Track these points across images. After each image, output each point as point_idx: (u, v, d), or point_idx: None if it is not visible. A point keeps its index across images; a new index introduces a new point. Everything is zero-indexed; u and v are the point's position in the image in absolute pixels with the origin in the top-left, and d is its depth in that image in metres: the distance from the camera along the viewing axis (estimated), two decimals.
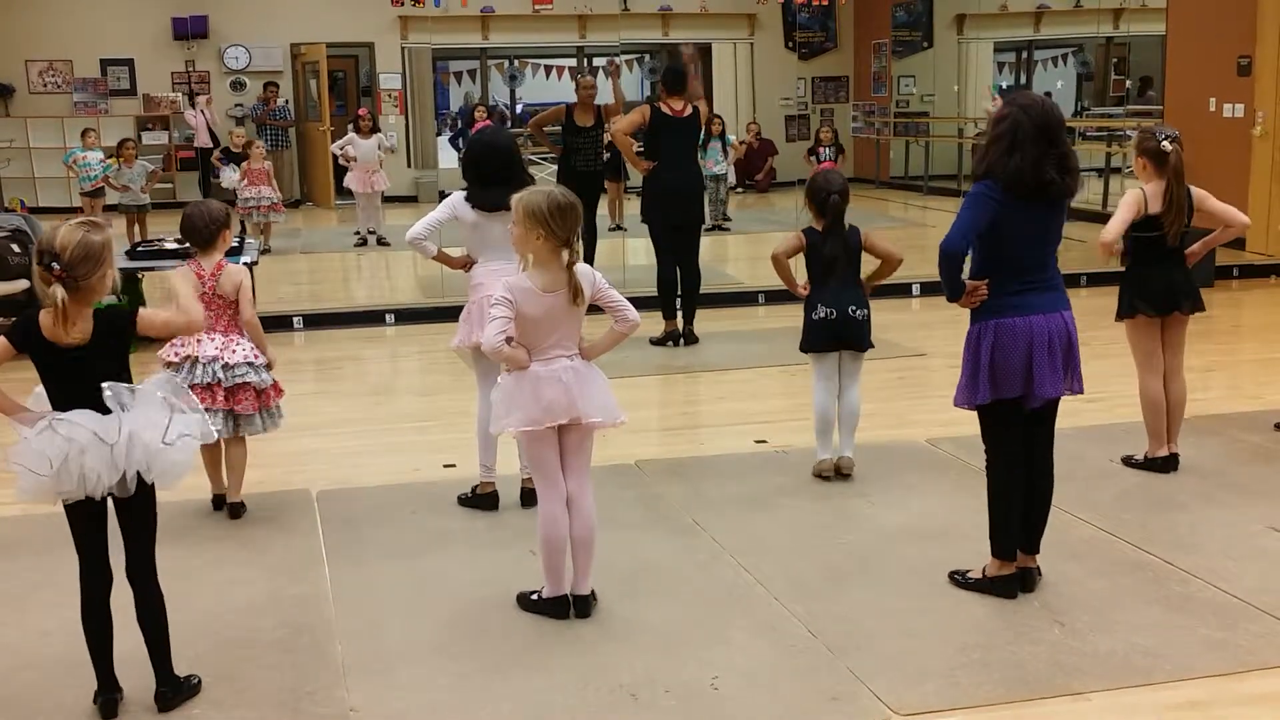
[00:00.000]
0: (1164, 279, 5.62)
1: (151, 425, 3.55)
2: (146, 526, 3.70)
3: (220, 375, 5.17)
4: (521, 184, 5.26)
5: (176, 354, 5.22)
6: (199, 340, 5.16)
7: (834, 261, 5.58)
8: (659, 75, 9.30)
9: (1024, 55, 19.48)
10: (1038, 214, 4.22)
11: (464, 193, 5.34)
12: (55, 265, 3.41)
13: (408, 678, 3.93)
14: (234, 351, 5.24)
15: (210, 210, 5.32)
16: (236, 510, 5.41)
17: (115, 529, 3.68)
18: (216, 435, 4.73)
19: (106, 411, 3.51)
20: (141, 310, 3.71)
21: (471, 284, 5.40)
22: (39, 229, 9.39)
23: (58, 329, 3.47)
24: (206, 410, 4.47)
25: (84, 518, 3.61)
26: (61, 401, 3.55)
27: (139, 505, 3.64)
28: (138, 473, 3.54)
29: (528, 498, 5.46)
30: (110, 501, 3.62)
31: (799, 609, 4.36)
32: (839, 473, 5.72)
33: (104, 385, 3.53)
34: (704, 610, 4.39)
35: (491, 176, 5.24)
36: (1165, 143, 5.45)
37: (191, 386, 4.77)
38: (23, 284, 8.88)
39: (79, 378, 3.53)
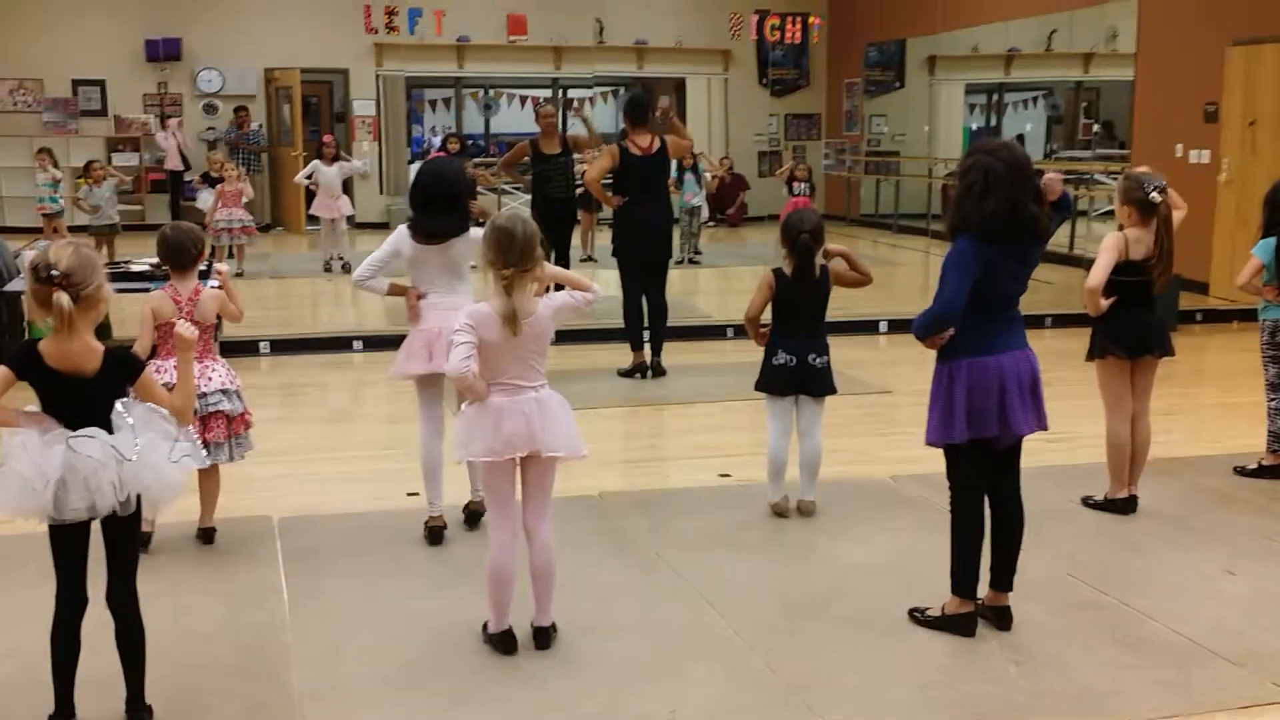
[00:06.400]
0: (1137, 322, 5.63)
1: (158, 445, 3.60)
2: (131, 552, 3.71)
3: (195, 404, 5.10)
4: (462, 214, 5.24)
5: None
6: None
7: (800, 308, 5.61)
8: (622, 109, 9.28)
9: (995, 98, 19.67)
10: (1013, 259, 4.23)
11: (408, 225, 5.28)
12: (54, 273, 3.42)
13: (363, 706, 3.91)
14: (209, 379, 5.19)
15: (191, 231, 5.30)
16: (209, 535, 5.37)
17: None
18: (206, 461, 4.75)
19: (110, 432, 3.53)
20: (147, 372, 3.68)
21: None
22: (5, 249, 9.33)
23: (63, 342, 3.46)
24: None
25: (69, 540, 3.59)
26: (62, 426, 3.54)
27: (128, 530, 3.65)
28: (137, 495, 3.55)
29: (471, 519, 5.48)
30: (96, 527, 3.60)
31: (759, 644, 4.36)
32: (801, 514, 5.73)
33: (118, 403, 3.57)
34: (664, 644, 4.39)
35: (433, 205, 5.21)
36: (1154, 194, 5.42)
37: None
38: None
39: (81, 409, 3.53)
